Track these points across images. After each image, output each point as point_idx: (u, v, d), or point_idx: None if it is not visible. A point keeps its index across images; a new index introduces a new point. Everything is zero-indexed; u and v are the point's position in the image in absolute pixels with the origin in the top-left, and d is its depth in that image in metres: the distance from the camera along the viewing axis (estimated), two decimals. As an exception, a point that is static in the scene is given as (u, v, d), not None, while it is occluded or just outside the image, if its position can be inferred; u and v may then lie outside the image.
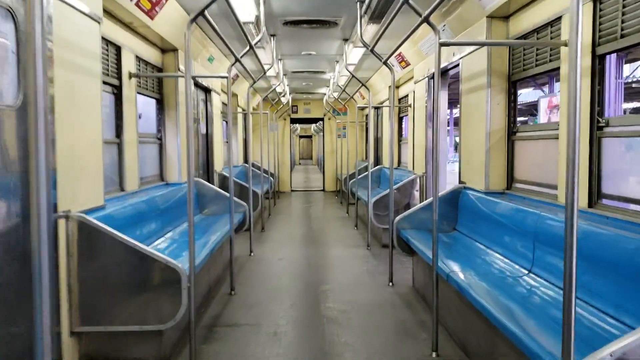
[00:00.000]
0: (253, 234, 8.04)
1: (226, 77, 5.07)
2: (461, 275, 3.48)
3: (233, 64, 5.06)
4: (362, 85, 7.13)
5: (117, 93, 4.69)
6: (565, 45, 3.35)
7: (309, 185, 18.42)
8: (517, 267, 3.67)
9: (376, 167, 10.45)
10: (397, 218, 5.23)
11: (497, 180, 4.64)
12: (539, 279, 3.37)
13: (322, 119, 15.91)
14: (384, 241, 7.17)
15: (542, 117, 22.75)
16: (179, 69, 6.02)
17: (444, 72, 6.60)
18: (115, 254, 3.27)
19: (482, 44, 4.53)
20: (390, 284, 5.27)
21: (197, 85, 7.50)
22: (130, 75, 4.86)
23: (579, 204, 2.95)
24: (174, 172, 6.09)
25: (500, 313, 2.76)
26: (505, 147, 4.59)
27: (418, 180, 7.07)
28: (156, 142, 5.97)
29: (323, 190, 15.98)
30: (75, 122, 3.30)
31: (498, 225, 4.22)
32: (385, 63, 5.24)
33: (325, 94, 13.82)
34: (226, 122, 11.14)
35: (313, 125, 30.39)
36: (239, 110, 11.28)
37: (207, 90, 8.11)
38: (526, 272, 3.54)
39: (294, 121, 16.23)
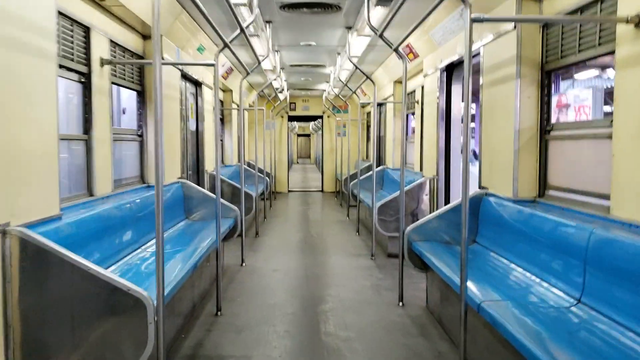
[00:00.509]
0: (246, 240, 7.39)
1: (213, 65, 4.40)
2: (496, 307, 2.83)
3: (221, 50, 4.41)
4: (367, 78, 6.48)
5: (86, 82, 4.03)
6: (627, 21, 2.71)
7: (307, 186, 17.77)
8: (561, 294, 3.02)
9: (379, 168, 9.79)
10: (409, 228, 4.58)
11: (527, 186, 3.99)
12: (592, 312, 2.72)
13: (321, 117, 15.26)
14: (389, 250, 6.52)
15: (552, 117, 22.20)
16: (162, 58, 5.35)
17: (458, 64, 5.96)
18: (66, 278, 2.61)
19: (529, 20, 3.87)
20: (400, 303, 4.62)
21: (186, 78, 6.84)
22: (103, 62, 4.19)
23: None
24: (157, 173, 5.42)
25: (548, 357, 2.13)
26: (537, 147, 3.94)
27: (428, 183, 6.42)
28: (136, 140, 5.31)
29: (322, 191, 15.34)
30: (18, 113, 2.65)
31: (531, 240, 3.57)
32: (396, 50, 4.58)
33: (325, 91, 13.16)
34: (222, 119, 10.49)
35: (311, 124, 29.73)
36: (234, 106, 10.62)
37: (197, 84, 7.45)
38: (574, 301, 2.89)
39: (292, 119, 15.59)
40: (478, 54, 4.90)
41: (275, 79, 9.86)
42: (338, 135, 14.11)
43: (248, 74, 6.03)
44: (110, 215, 3.85)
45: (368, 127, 14.21)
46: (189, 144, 7.11)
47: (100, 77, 4.17)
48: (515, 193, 4.00)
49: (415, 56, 7.09)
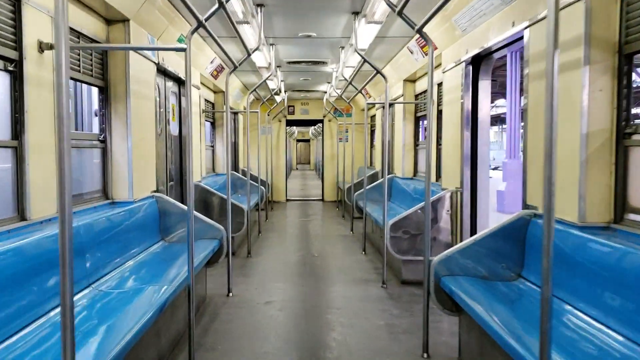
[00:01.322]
0: (235, 261, 6.42)
1: (184, 50, 3.43)
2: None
3: (195, 30, 3.44)
4: (377, 73, 5.52)
5: (17, 72, 3.06)
6: None
7: (306, 194, 16.78)
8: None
9: (387, 177, 8.80)
10: (436, 259, 3.61)
11: (597, 208, 3.02)
12: None
13: (321, 121, 14.29)
14: (404, 276, 5.54)
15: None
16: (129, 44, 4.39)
17: (486, 55, 5.00)
18: None
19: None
20: (425, 354, 3.63)
21: (166, 74, 5.89)
22: (42, 47, 3.23)
23: None
24: (123, 187, 4.46)
25: None
26: (613, 156, 2.97)
27: (449, 197, 5.45)
28: (98, 147, 4.34)
29: (322, 200, 14.35)
30: None
31: (607, 283, 2.60)
32: (419, 32, 3.62)
33: (325, 92, 12.20)
34: (212, 122, 9.54)
35: (311, 129, 28.77)
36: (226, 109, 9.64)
37: (180, 82, 6.49)
38: None
39: (290, 123, 14.62)
40: (521, 38, 3.95)
41: (271, 79, 8.92)
42: (340, 141, 13.15)
43: (235, 67, 5.06)
44: (42, 248, 2.86)
45: (372, 131, 13.27)
46: (171, 151, 6.14)
47: (39, 66, 3.21)
48: (582, 216, 3.03)
49: (433, 48, 6.11)
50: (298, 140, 42.34)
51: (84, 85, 5.48)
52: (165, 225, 5.00)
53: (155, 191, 5.09)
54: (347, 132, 13.84)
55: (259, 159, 9.66)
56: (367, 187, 8.52)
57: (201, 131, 8.24)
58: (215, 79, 8.34)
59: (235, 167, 11.77)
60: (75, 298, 3.12)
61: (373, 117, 12.86)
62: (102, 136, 4.35)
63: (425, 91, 7.57)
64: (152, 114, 5.07)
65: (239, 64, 5.08)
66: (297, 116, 14.11)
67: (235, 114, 11.58)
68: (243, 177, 10.05)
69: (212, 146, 9.51)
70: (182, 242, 4.96)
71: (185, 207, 4.99)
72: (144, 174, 4.80)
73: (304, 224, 9.98)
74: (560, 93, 3.27)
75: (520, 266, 3.59)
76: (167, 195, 5.91)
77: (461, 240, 5.25)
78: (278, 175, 14.04)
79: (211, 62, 7.48)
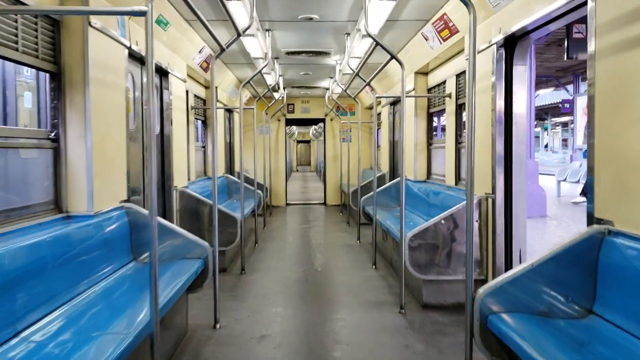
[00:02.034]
0: (226, 280, 5.57)
1: (143, 14, 2.57)
2: None
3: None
4: (392, 58, 4.67)
5: None
6: None
7: (307, 197, 15.91)
8: None
9: (396, 180, 7.96)
10: (481, 292, 2.75)
11: None
12: None
13: (323, 120, 13.44)
14: (425, 299, 4.68)
15: (579, 120, 20.12)
16: (89, 23, 3.54)
17: (523, 35, 4.15)
18: None
19: None
20: (468, 419, 2.77)
21: (144, 62, 5.04)
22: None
23: None
24: (80, 197, 3.60)
25: None
26: None
27: (477, 205, 4.59)
28: (47, 147, 3.48)
29: (324, 204, 13.48)
30: None
31: None
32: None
33: (328, 89, 11.35)
34: (203, 121, 8.69)
35: (311, 129, 27.92)
36: (219, 105, 8.80)
37: (162, 73, 5.65)
38: None
39: (290, 122, 13.77)
40: (583, 4, 3.10)
41: (267, 72, 8.07)
42: (343, 141, 12.29)
43: (223, 50, 4.21)
44: None
45: (377, 130, 12.41)
46: (149, 152, 5.28)
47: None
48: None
49: (453, 32, 5.27)
50: (298, 142, 41.49)
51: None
52: (138, 242, 4.14)
53: (126, 200, 4.23)
54: (350, 131, 12.99)
55: (257, 161, 8.81)
56: (378, 190, 7.69)
57: (189, 130, 7.39)
58: (206, 72, 7.49)
59: (230, 169, 10.92)
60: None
61: (378, 115, 12.01)
62: (52, 134, 3.49)
63: (440, 84, 6.72)
64: (122, 108, 4.22)
65: (227, 46, 4.23)
66: (297, 115, 13.26)
67: (230, 111, 10.73)
68: (238, 181, 9.19)
69: (204, 147, 8.66)
70: (160, 262, 4.10)
71: (163, 221, 4.16)
72: (110, 180, 3.95)
73: (306, 231, 9.12)
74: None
75: (592, 299, 2.73)
76: (144, 204, 5.06)
77: (494, 257, 4.40)
78: (277, 178, 13.18)
79: (200, 51, 6.63)
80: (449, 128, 6.22)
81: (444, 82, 6.55)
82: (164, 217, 5.76)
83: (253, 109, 7.82)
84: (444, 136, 6.51)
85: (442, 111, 7.35)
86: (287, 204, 13.46)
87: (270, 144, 12.86)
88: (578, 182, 13.94)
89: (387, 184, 7.93)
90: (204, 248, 4.13)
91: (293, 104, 13.20)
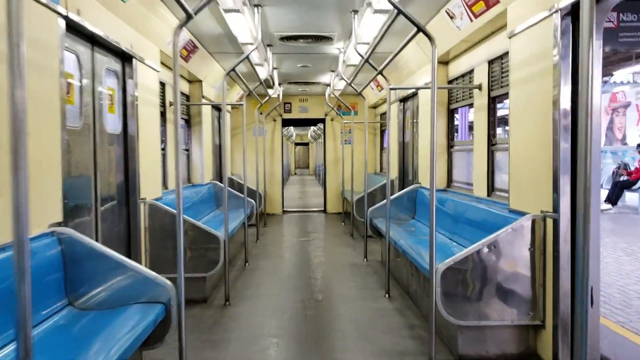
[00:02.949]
0: (207, 315, 4.47)
1: None
2: None
3: None
4: (420, 31, 3.58)
5: None
6: None
7: (306, 204, 14.79)
8: None
9: (410, 188, 6.85)
10: None
11: None
12: None
13: (322, 120, 12.34)
14: (461, 350, 3.56)
15: (604, 119, 18.96)
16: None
17: (600, -2, 3.04)
18: None
19: None
20: None
21: (95, 41, 3.95)
22: None
23: None
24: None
25: None
26: None
27: (529, 227, 3.48)
28: None
29: (324, 211, 12.36)
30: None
31: None
32: None
33: (328, 85, 10.25)
34: (187, 120, 7.59)
35: (310, 130, 26.84)
36: (204, 101, 7.70)
37: (124, 58, 4.54)
38: None
39: (286, 123, 12.67)
40: None
41: (259, 63, 6.97)
42: (346, 143, 11.19)
43: (190, 17, 3.10)
44: None
45: (382, 132, 11.32)
46: (104, 155, 4.18)
47: None
48: None
49: (491, 4, 4.17)
50: (297, 144, 40.37)
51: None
52: (75, 280, 3.04)
53: (60, 223, 3.11)
54: (349, 132, 11.88)
55: (250, 165, 7.72)
56: (393, 197, 6.60)
57: (167, 130, 6.29)
58: (187, 62, 6.38)
59: (219, 175, 9.80)
60: None
61: (383, 115, 10.91)
62: None
63: (465, 74, 5.63)
64: (54, 98, 3.10)
65: (196, 12, 3.11)
66: (295, 115, 12.15)
67: (219, 110, 9.63)
68: (233, 190, 8.08)
69: (187, 150, 7.54)
70: (104, 309, 3.00)
71: (107, 251, 3.05)
72: (40, 196, 2.84)
73: (304, 246, 7.99)
74: None
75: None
76: (97, 224, 3.95)
77: (555, 297, 3.29)
78: (273, 184, 12.06)
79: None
80: (478, 126, 5.12)
81: (469, 72, 5.47)
82: (128, 238, 4.65)
83: (242, 105, 6.69)
84: (470, 136, 5.40)
85: (466, 107, 6.26)
86: (284, 212, 12.34)
87: (265, 146, 11.75)
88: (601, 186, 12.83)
89: (399, 193, 6.82)
90: (166, 288, 3.02)
91: (290, 103, 12.10)
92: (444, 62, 6.19)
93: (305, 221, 10.88)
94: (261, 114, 10.52)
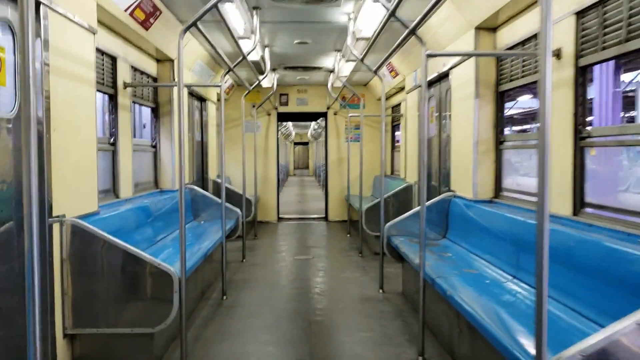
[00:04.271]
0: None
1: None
2: None
3: None
4: None
5: None
6: None
7: (305, 209, 13.17)
8: None
9: (441, 197, 5.23)
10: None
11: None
12: None
13: (324, 115, 10.74)
14: None
15: None
16: None
17: None
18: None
19: None
20: None
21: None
22: None
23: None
24: None
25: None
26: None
27: None
28: None
29: (326, 218, 10.75)
30: None
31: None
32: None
33: (332, 71, 8.66)
34: (154, 108, 6.01)
35: (310, 128, 25.22)
36: (171, 83, 6.12)
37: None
38: None
39: (283, 118, 11.08)
40: None
41: (245, 35, 5.41)
42: (352, 140, 9.58)
43: None
44: None
45: (393, 127, 9.71)
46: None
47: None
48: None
49: None
50: (296, 144, 38.68)
51: None
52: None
53: None
54: (356, 128, 10.30)
55: (232, 165, 6.14)
56: (409, 215, 5.06)
57: (119, 118, 4.72)
58: (147, 29, 4.78)
59: (202, 178, 8.22)
60: None
61: (395, 107, 9.31)
62: None
63: (526, 40, 4.04)
64: None
65: None
66: (292, 108, 10.55)
67: (203, 100, 8.06)
68: (214, 197, 6.52)
69: (154, 147, 5.95)
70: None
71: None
72: None
73: (302, 268, 6.39)
74: None
75: None
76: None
77: None
78: (267, 187, 10.45)
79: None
80: (556, 112, 3.51)
81: (531, 38, 3.91)
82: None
83: (219, 86, 5.10)
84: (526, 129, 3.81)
85: (524, 88, 4.67)
86: (280, 219, 10.73)
87: (259, 144, 10.16)
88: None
89: (427, 203, 5.21)
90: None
91: (287, 95, 10.50)
92: (490, 28, 4.61)
93: (303, 232, 9.26)
94: (253, 106, 8.91)
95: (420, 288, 3.50)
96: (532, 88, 5.21)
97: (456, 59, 5.05)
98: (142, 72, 5.40)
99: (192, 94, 7.29)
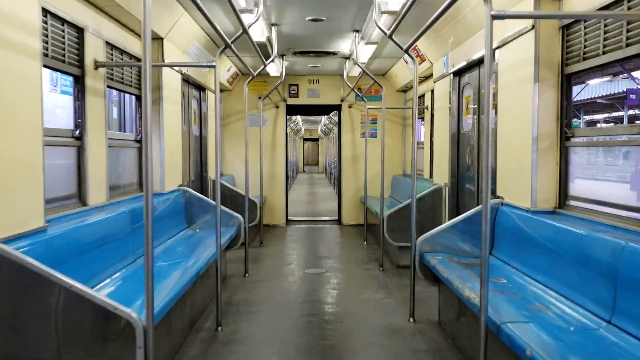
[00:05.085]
0: None
1: None
2: None
3: None
4: None
5: None
6: None
7: (316, 210, 12.23)
8: None
9: (492, 203, 4.25)
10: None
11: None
12: None
13: (338, 107, 9.77)
14: None
15: None
16: None
17: None
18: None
19: None
20: None
21: None
22: None
23: None
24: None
25: None
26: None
27: None
28: None
29: (339, 221, 9.80)
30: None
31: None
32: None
33: (348, 58, 7.69)
34: (138, 97, 5.06)
35: (321, 124, 24.26)
36: (166, 67, 5.21)
37: None
38: None
39: (292, 111, 10.14)
40: None
41: (248, 8, 4.48)
42: (370, 136, 8.63)
43: None
44: None
45: (430, 118, 8.71)
46: None
47: None
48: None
49: None
50: (305, 139, 37.67)
51: None
52: None
53: None
54: (373, 123, 9.34)
55: (244, 164, 5.22)
56: (444, 227, 4.11)
57: (89, 105, 3.79)
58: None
59: (201, 177, 7.30)
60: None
61: (419, 99, 8.32)
62: None
63: (610, 4, 3.05)
64: None
65: None
66: (303, 100, 9.59)
67: (203, 89, 7.14)
68: (212, 200, 5.61)
69: (139, 141, 5.02)
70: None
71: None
72: None
73: (313, 285, 5.44)
74: None
75: None
76: None
77: None
78: (275, 187, 9.52)
79: None
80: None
81: (616, 2, 2.92)
82: None
83: (213, 66, 4.15)
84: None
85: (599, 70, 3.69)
86: (289, 221, 9.79)
87: (264, 139, 9.23)
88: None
89: (468, 213, 4.24)
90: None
91: (296, 85, 9.54)
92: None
93: (315, 238, 8.31)
94: (260, 98, 7.98)
95: (481, 340, 2.53)
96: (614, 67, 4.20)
97: (508, 34, 4.06)
98: (123, 51, 4.47)
99: (188, 81, 6.36)
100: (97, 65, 3.88)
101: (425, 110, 7.53)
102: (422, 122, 8.61)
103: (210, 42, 6.33)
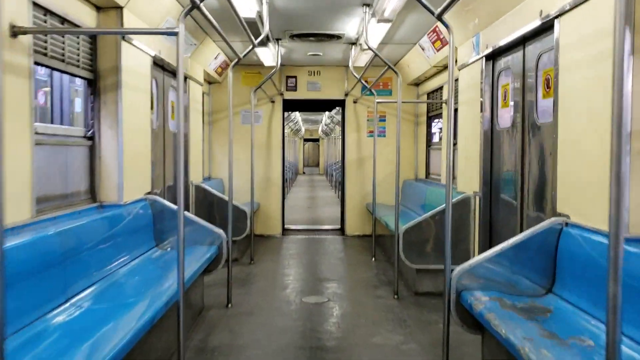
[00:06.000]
0: None
1: None
2: None
3: None
4: None
5: None
6: None
7: (316, 217, 11.10)
8: None
9: (544, 224, 3.14)
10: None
11: None
12: None
13: (341, 103, 8.68)
14: None
15: None
16: None
17: None
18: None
19: None
20: None
21: None
22: None
23: None
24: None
25: None
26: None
27: None
28: None
29: (342, 231, 8.71)
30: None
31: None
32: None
33: (354, 43, 6.61)
34: (91, 80, 3.99)
35: (322, 124, 23.16)
36: (127, 38, 4.12)
37: None
38: None
39: (290, 106, 9.04)
40: None
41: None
42: (378, 135, 7.54)
43: None
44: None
45: (429, 118, 7.62)
46: None
47: None
48: None
49: None
50: (306, 140, 36.54)
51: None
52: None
53: None
54: (382, 120, 8.26)
55: (233, 166, 4.16)
56: (489, 255, 3.03)
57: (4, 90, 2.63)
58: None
59: (186, 181, 6.21)
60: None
61: (431, 93, 7.25)
62: None
63: None
64: None
65: None
66: (302, 94, 8.49)
67: (185, 79, 5.99)
68: (188, 214, 4.52)
69: (92, 137, 3.92)
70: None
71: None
72: None
73: (313, 322, 4.32)
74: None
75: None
76: None
77: None
78: (270, 192, 8.42)
79: None
80: None
81: None
82: None
83: (175, 33, 3.05)
84: None
85: None
86: (285, 231, 8.70)
87: (258, 138, 8.15)
88: None
89: (520, 236, 3.14)
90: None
91: (295, 77, 8.46)
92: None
93: (315, 252, 7.20)
94: (255, 91, 6.87)
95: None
96: None
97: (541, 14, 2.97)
98: (65, 20, 3.38)
99: (163, 67, 5.27)
100: (14, 31, 2.79)
101: (444, 105, 6.45)
102: (437, 120, 7.54)
103: (190, 21, 5.25)
